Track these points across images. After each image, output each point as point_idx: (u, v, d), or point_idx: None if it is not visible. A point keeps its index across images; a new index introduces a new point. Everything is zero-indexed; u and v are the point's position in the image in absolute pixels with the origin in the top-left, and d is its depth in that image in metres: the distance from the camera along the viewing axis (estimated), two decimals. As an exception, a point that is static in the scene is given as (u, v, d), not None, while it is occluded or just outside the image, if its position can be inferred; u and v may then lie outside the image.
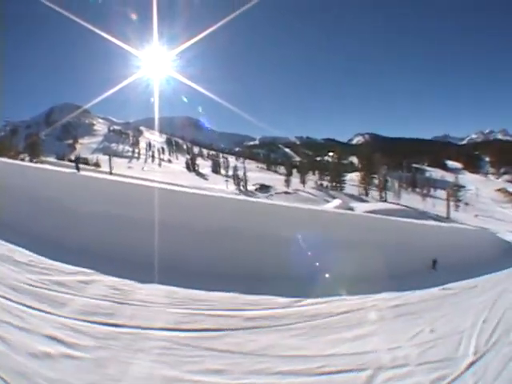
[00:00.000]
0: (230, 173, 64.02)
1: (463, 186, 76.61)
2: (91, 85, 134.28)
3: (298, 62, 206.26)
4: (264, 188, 48.22)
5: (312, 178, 67.01)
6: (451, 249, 10.43)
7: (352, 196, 52.07)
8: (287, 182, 55.62)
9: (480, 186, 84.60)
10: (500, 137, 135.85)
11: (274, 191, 46.54)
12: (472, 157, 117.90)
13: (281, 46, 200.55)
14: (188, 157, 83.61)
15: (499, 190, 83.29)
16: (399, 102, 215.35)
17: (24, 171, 9.44)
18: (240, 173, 56.96)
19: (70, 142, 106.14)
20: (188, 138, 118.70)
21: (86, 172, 12.38)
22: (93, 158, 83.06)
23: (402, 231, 10.59)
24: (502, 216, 48.56)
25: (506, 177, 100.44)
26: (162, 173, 64.32)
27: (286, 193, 43.61)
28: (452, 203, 53.71)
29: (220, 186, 48.23)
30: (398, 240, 9.14)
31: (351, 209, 29.62)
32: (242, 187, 50.84)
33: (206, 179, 63.33)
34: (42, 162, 28.05)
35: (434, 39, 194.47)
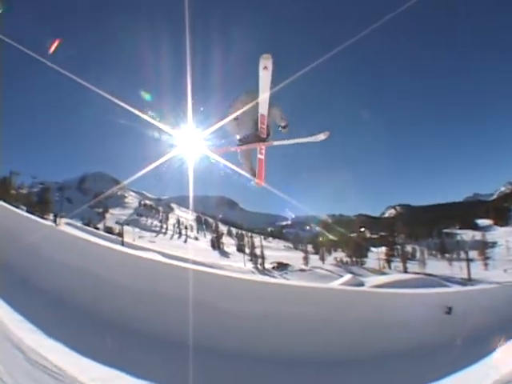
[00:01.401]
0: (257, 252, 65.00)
1: (491, 243, 74.67)
2: (126, 158, 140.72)
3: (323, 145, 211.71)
4: (282, 266, 48.70)
5: (339, 256, 66.43)
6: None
7: (372, 270, 51.91)
8: (305, 260, 55.95)
9: (510, 238, 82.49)
10: None
11: (292, 269, 46.97)
12: (501, 210, 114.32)
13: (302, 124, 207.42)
14: (214, 235, 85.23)
15: None
16: (428, 169, 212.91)
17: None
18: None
19: (101, 210, 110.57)
20: (219, 217, 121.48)
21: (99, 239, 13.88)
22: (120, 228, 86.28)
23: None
24: None
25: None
26: (184, 249, 66.13)
27: (302, 270, 43.92)
28: (481, 262, 52.89)
29: (238, 264, 49.17)
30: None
31: (361, 284, 30.03)
32: (259, 265, 51.55)
33: (228, 257, 64.40)
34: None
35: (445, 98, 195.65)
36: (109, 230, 66.16)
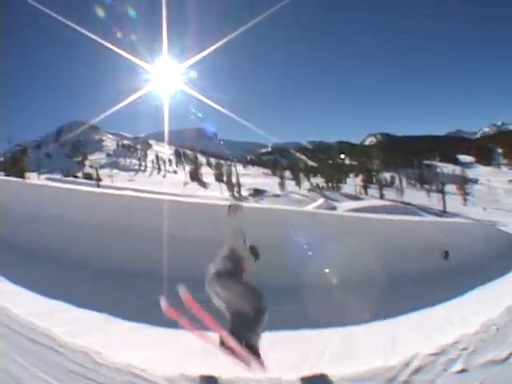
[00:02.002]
0: (234, 180, 65.39)
1: (472, 180, 76.52)
2: (101, 101, 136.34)
3: (308, 68, 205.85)
4: (258, 192, 49.26)
5: (318, 181, 67.51)
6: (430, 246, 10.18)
7: (349, 195, 52.84)
8: (281, 186, 56.75)
9: (492, 178, 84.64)
10: None
11: (268, 195, 47.61)
12: (484, 149, 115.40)
13: (290, 54, 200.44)
14: (192, 167, 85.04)
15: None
16: (411, 100, 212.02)
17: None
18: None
19: (79, 159, 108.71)
20: (198, 149, 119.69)
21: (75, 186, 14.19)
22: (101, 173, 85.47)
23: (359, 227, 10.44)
24: None
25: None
26: (161, 184, 66.22)
27: (276, 195, 44.52)
28: (460, 197, 54.27)
29: (215, 193, 49.49)
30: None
31: (333, 208, 30.65)
32: (236, 193, 52.23)
33: (206, 187, 64.76)
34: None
35: (440, 33, 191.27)
36: (87, 177, 65.49)
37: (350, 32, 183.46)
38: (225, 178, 60.73)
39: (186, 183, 71.99)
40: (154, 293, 3.92)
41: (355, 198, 50.60)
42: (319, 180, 67.23)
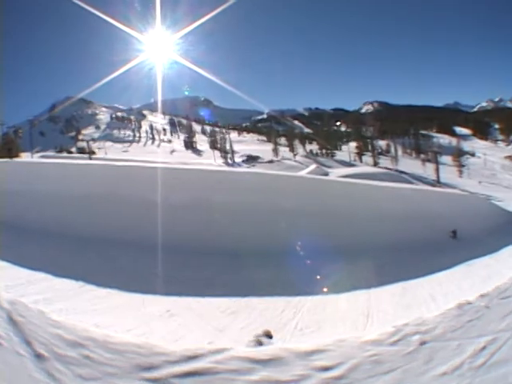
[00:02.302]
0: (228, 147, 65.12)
1: (469, 152, 76.25)
2: (94, 74, 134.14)
3: (302, 35, 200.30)
4: (251, 159, 48.58)
5: (314, 148, 67.06)
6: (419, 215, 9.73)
7: (343, 162, 52.36)
8: (275, 152, 56.10)
9: (489, 152, 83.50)
10: (510, 105, 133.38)
11: (261, 160, 46.99)
12: (481, 123, 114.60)
13: (286, 22, 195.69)
14: (186, 135, 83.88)
15: (509, 157, 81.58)
16: (409, 71, 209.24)
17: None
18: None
19: (73, 134, 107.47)
20: (192, 118, 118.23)
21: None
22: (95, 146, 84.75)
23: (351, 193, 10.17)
24: (510, 183, 47.72)
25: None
26: (155, 153, 65.55)
27: (270, 162, 43.76)
28: (455, 169, 53.92)
29: (209, 161, 48.84)
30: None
31: (326, 174, 30.20)
32: (229, 160, 51.44)
33: (200, 155, 64.07)
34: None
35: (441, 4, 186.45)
36: (81, 151, 64.76)
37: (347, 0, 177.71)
38: (218, 146, 60.05)
39: (172, 151, 71.73)
40: (134, 260, 4.58)
41: (349, 164, 50.21)
42: (315, 147, 67.10)
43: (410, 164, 56.66)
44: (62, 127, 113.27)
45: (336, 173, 29.24)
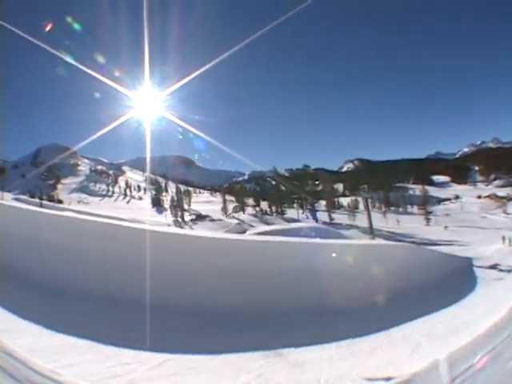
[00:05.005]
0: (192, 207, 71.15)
1: (447, 199, 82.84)
2: (81, 126, 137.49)
3: (286, 98, 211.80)
4: (199, 217, 53.79)
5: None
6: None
7: (288, 219, 56.20)
8: (223, 211, 61.30)
9: (467, 195, 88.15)
10: (492, 145, 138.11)
11: (209, 219, 52.10)
12: (461, 168, 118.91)
13: (267, 82, 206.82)
14: (154, 193, 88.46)
15: (488, 196, 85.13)
16: (390, 125, 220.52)
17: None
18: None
19: (52, 182, 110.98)
20: (176, 177, 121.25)
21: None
22: (69, 197, 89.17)
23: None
24: (487, 224, 49.24)
25: (496, 182, 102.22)
26: (123, 209, 69.79)
27: (211, 220, 49.12)
28: (423, 217, 56.77)
29: (159, 219, 53.90)
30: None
31: (243, 232, 34.01)
32: (179, 218, 57.04)
33: (161, 213, 68.70)
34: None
35: (411, 55, 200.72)
36: (51, 199, 68.84)
37: (327, 57, 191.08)
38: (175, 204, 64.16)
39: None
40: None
41: (293, 221, 52.52)
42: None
43: (375, 218, 57.95)
44: (43, 173, 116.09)
45: (257, 230, 29.59)
